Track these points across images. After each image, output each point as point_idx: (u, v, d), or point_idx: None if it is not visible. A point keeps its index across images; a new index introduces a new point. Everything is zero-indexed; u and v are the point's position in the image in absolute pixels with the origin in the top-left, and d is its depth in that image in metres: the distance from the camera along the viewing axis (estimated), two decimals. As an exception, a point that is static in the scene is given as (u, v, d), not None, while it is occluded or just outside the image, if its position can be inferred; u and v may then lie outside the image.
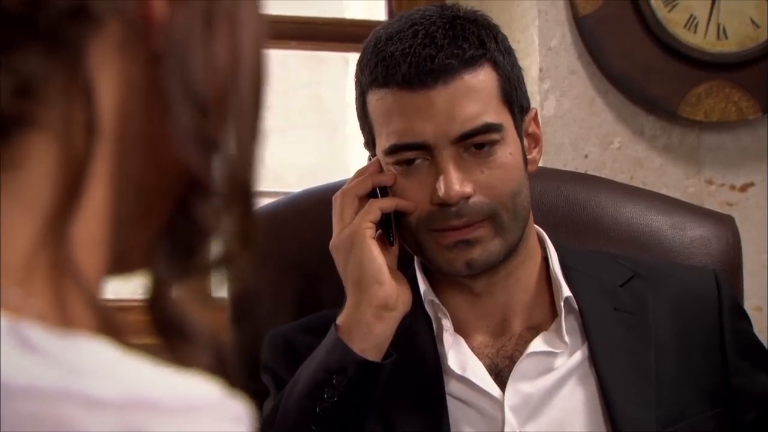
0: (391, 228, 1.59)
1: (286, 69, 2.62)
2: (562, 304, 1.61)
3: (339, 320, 1.56)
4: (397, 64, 1.53)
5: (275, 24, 2.37)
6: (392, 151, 1.56)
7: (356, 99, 1.61)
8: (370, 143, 1.61)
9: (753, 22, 2.47)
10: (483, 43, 1.56)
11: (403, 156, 1.56)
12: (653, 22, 2.44)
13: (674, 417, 1.60)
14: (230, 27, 0.58)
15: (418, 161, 1.55)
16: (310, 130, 2.71)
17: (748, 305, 1.84)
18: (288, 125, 2.63)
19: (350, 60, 2.69)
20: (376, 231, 1.58)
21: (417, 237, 1.58)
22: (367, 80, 1.57)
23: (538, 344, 1.60)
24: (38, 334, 0.49)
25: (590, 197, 1.85)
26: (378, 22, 2.56)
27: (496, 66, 1.56)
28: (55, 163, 0.53)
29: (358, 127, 1.64)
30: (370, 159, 1.64)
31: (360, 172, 1.61)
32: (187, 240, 0.57)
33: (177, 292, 0.56)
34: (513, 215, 1.56)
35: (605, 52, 2.45)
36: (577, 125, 2.47)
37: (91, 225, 0.54)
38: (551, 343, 1.60)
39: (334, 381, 1.53)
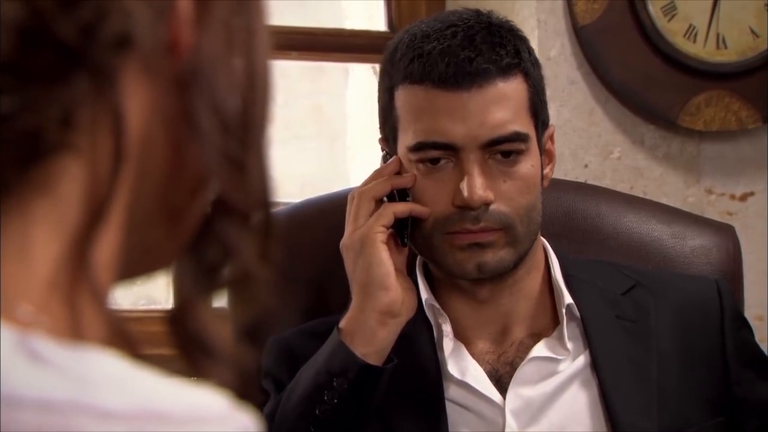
0: (406, 229, 1.58)
1: (287, 79, 2.62)
2: (563, 311, 1.61)
3: (342, 323, 1.56)
4: (434, 62, 1.53)
5: (276, 34, 2.36)
6: (418, 148, 1.55)
7: (382, 92, 1.61)
8: (391, 139, 1.60)
9: (752, 31, 2.48)
10: (518, 52, 1.56)
11: (427, 154, 1.55)
12: (653, 31, 2.45)
13: (676, 425, 1.60)
14: (246, 42, 0.58)
15: (441, 162, 1.55)
16: (310, 140, 2.71)
17: (749, 314, 1.84)
18: (288, 135, 2.63)
19: (350, 70, 2.69)
20: (389, 231, 1.57)
21: (430, 239, 1.57)
22: (399, 75, 1.56)
23: (540, 349, 1.61)
24: (48, 346, 0.50)
25: (590, 207, 1.86)
26: (378, 33, 2.57)
27: (527, 77, 1.57)
28: (82, 187, 0.53)
29: (379, 124, 1.62)
30: (384, 158, 1.63)
31: (379, 172, 1.60)
32: (212, 258, 0.57)
33: (201, 309, 0.56)
34: (526, 228, 1.57)
35: (605, 62, 2.45)
36: (576, 135, 2.47)
37: (110, 245, 0.55)
38: (553, 349, 1.61)
39: (334, 383, 1.53)
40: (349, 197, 1.61)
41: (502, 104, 1.54)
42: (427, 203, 1.56)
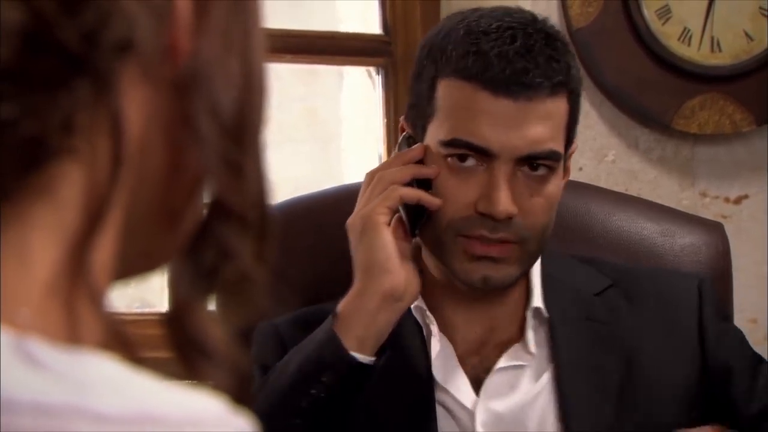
0: (420, 220, 1.55)
1: (281, 82, 2.62)
2: (529, 314, 1.61)
3: (340, 306, 1.53)
4: (490, 63, 1.49)
5: (270, 37, 2.36)
6: (451, 144, 1.52)
7: (421, 77, 1.56)
8: (420, 126, 1.57)
9: (747, 34, 2.48)
10: (569, 69, 1.54)
11: (459, 152, 1.52)
12: (647, 35, 2.45)
13: (648, 425, 1.59)
14: (243, 44, 0.58)
15: (471, 162, 1.53)
16: (304, 143, 2.71)
17: (743, 317, 1.84)
18: (282, 138, 2.64)
19: (345, 73, 2.69)
20: (400, 216, 1.55)
21: (442, 237, 1.55)
22: (447, 66, 1.52)
23: (504, 360, 1.60)
24: (44, 349, 0.50)
25: (580, 205, 1.86)
26: (373, 35, 2.57)
27: (570, 97, 1.55)
28: (82, 191, 0.53)
29: (408, 106, 1.59)
30: (405, 140, 1.59)
31: (400, 157, 1.56)
32: (209, 260, 0.57)
33: (198, 311, 0.56)
34: (539, 246, 1.56)
35: (599, 65, 2.45)
36: (571, 138, 2.47)
37: (107, 247, 0.55)
38: (518, 356, 1.60)
39: (323, 378, 1.50)
40: (366, 176, 1.57)
41: (545, 121, 1.51)
42: (448, 200, 1.53)
